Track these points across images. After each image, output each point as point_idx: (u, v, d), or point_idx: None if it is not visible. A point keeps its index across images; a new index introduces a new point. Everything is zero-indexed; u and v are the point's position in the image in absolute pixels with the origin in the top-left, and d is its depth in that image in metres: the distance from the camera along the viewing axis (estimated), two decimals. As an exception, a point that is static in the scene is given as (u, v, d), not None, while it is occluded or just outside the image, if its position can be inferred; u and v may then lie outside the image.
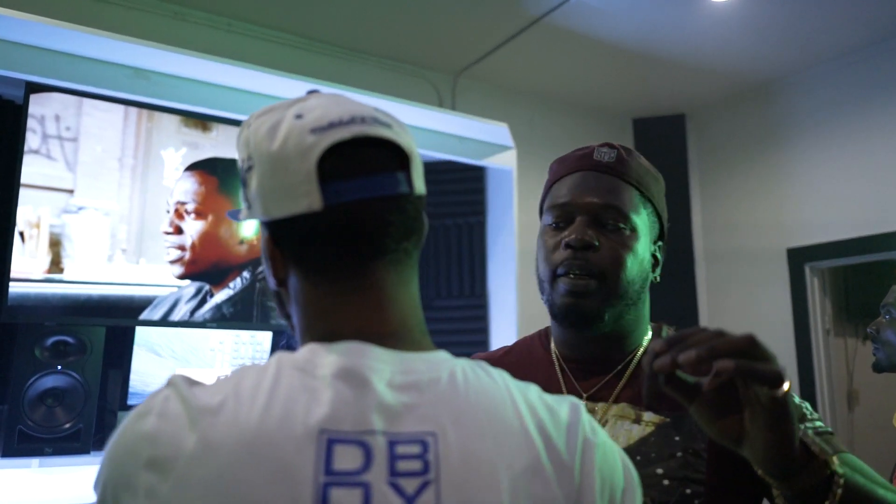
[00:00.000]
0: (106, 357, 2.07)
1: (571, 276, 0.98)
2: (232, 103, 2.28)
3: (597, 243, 0.97)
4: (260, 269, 2.28)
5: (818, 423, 0.92)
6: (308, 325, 0.68)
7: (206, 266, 2.21)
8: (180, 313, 2.17)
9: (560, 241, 1.00)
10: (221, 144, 2.28)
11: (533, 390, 0.69)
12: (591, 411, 1.00)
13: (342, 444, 0.59)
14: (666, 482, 0.91)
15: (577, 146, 1.09)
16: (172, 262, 2.16)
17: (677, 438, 0.94)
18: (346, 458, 0.58)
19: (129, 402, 2.12)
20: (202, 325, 2.21)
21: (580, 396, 1.02)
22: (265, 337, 2.39)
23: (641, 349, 1.04)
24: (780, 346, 3.35)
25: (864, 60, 3.21)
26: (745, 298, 3.52)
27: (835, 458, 0.75)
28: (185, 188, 2.21)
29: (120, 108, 2.11)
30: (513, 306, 2.70)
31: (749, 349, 0.68)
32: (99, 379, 2.04)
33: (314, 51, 3.03)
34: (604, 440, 0.67)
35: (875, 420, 3.38)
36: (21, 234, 1.93)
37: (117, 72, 2.08)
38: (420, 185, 0.70)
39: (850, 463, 0.81)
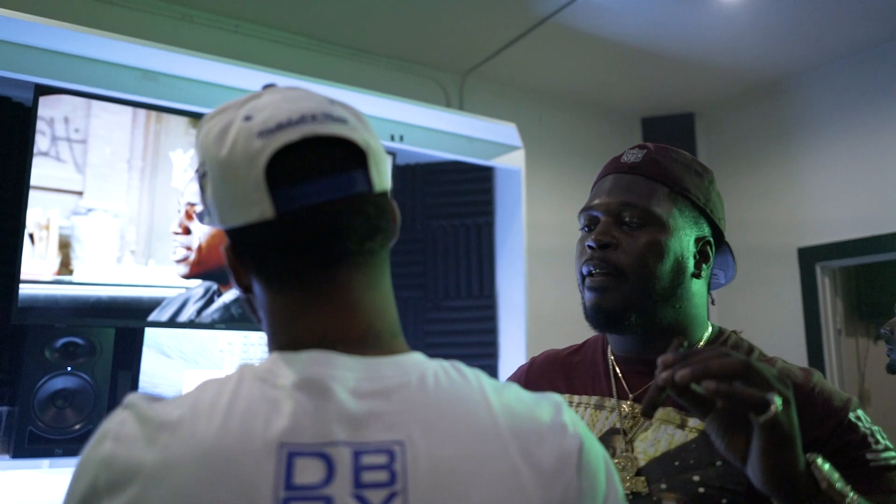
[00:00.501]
0: (115, 358, 2.08)
1: (593, 274, 0.99)
2: (240, 104, 2.28)
3: (616, 241, 0.98)
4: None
5: (886, 455, 0.88)
6: (273, 333, 0.67)
7: (212, 266, 2.22)
8: (188, 314, 2.17)
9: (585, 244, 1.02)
10: (229, 146, 2.28)
11: (511, 391, 0.66)
12: (635, 415, 0.99)
13: (303, 457, 0.57)
14: (702, 490, 0.90)
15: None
16: (178, 261, 2.16)
17: None
18: (308, 472, 0.57)
19: (139, 403, 2.13)
20: (210, 325, 2.22)
21: (627, 398, 1.01)
22: (274, 338, 2.39)
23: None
24: (791, 346, 3.33)
25: (875, 58, 3.19)
26: (756, 298, 3.49)
27: (849, 501, 0.74)
28: (195, 189, 2.21)
29: (128, 109, 2.11)
30: (521, 306, 2.69)
31: (741, 373, 0.70)
32: (108, 380, 2.05)
33: (321, 51, 3.03)
34: (585, 443, 0.65)
35: (887, 421, 3.35)
36: (31, 235, 1.94)
37: (125, 74, 2.08)
38: (382, 181, 0.66)
39: None
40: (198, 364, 2.26)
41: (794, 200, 3.46)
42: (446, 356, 2.67)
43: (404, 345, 0.68)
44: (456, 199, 2.86)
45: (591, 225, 1.03)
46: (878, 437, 0.90)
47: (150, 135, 2.15)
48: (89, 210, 2.03)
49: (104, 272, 2.05)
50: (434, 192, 2.88)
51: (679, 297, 0.99)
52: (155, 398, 0.62)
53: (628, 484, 0.93)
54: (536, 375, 1.15)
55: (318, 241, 0.63)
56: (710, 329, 1.05)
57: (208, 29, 2.79)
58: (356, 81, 2.56)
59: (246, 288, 0.68)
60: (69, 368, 1.98)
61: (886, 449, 0.89)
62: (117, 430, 0.59)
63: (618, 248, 0.97)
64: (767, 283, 3.48)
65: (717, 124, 3.87)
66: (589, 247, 0.99)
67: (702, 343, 1.02)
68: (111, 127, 2.08)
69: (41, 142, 1.96)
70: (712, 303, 1.11)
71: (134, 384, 2.14)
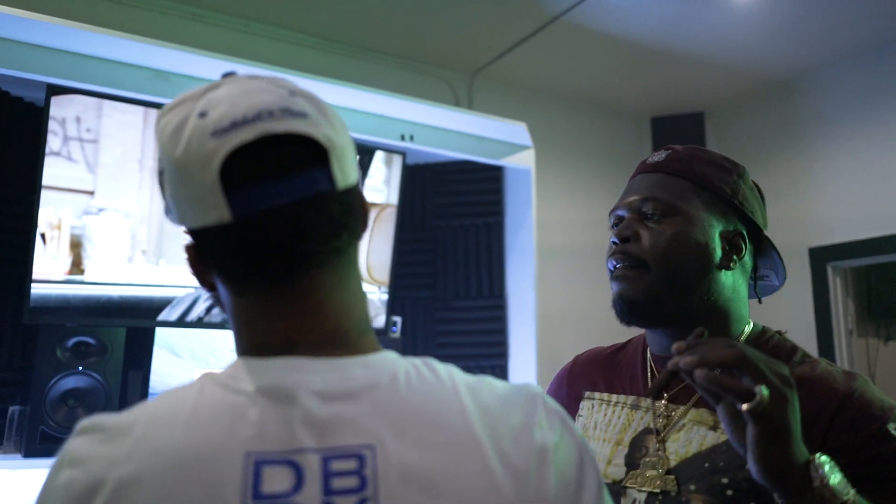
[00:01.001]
0: (126, 358, 2.08)
1: (617, 268, 1.01)
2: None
3: (637, 234, 0.99)
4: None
5: None
6: (239, 335, 0.65)
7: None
8: (197, 312, 2.17)
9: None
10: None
11: (485, 388, 0.65)
12: (669, 415, 0.99)
13: (270, 465, 0.56)
14: (730, 492, 0.89)
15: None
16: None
17: None
18: (276, 480, 0.55)
19: (150, 402, 2.13)
20: (220, 325, 2.22)
21: (662, 398, 1.01)
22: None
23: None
24: (803, 346, 3.29)
25: (886, 56, 3.16)
26: (767, 298, 3.45)
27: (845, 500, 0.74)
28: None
29: (140, 109, 2.11)
30: (531, 306, 2.69)
31: (736, 364, 0.73)
32: (119, 379, 2.05)
33: (331, 51, 3.03)
34: (561, 437, 0.63)
35: (899, 422, 3.33)
36: (42, 235, 1.94)
37: (137, 73, 2.08)
38: (346, 178, 0.64)
39: None
40: (208, 363, 2.26)
41: (805, 200, 3.43)
42: (456, 356, 2.68)
43: (374, 343, 0.66)
44: (466, 199, 2.86)
45: (617, 223, 1.05)
46: None
47: (161, 134, 2.15)
48: (101, 210, 2.04)
49: (115, 272, 2.05)
50: (444, 191, 2.87)
51: (706, 288, 0.98)
52: (106, 418, 0.60)
53: (658, 482, 0.94)
54: (578, 373, 1.16)
55: (279, 244, 0.61)
56: (750, 326, 1.04)
57: (218, 28, 2.79)
58: (365, 81, 2.56)
59: (210, 287, 0.67)
60: (80, 368, 1.98)
61: None
62: (73, 455, 0.58)
63: (639, 240, 0.99)
64: (778, 284, 3.45)
65: (727, 123, 3.85)
66: (613, 242, 1.02)
67: (741, 339, 1.02)
68: (123, 127, 2.08)
69: (53, 142, 1.96)
70: (759, 301, 1.11)
71: (145, 384, 2.15)
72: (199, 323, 2.18)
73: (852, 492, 0.76)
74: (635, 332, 1.09)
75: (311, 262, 0.62)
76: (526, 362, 2.68)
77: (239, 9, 2.78)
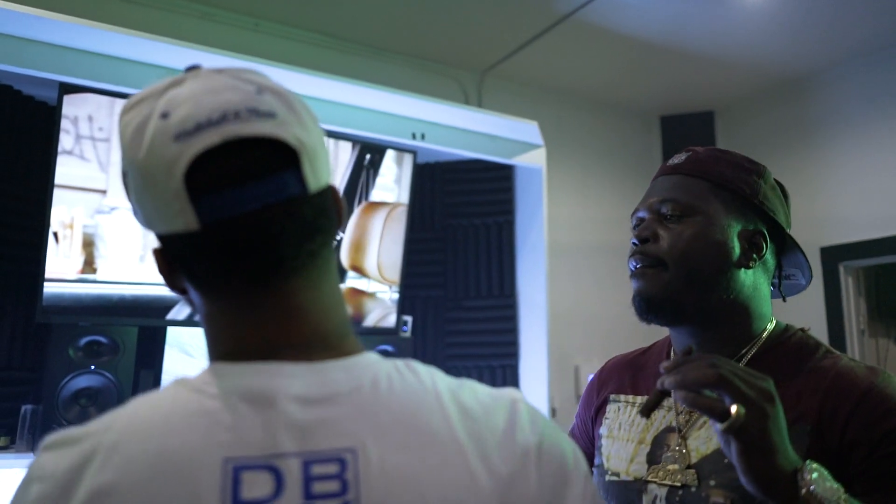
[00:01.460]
0: (138, 357, 2.08)
1: (637, 268, 1.02)
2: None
3: (655, 234, 1.01)
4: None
5: None
6: (212, 340, 0.63)
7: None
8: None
9: None
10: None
11: (467, 391, 0.64)
12: (690, 413, 1.00)
13: (249, 470, 0.54)
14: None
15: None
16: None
17: None
18: (256, 486, 0.54)
19: (161, 402, 2.13)
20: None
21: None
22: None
23: (756, 347, 1.01)
24: (814, 346, 3.28)
25: (899, 55, 3.14)
26: (779, 298, 3.44)
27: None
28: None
29: (151, 108, 2.10)
30: (543, 306, 2.67)
31: (713, 384, 0.76)
32: (131, 379, 2.05)
33: (341, 49, 3.02)
34: (545, 439, 0.62)
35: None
36: (55, 234, 1.94)
37: (149, 72, 2.08)
38: (318, 179, 0.61)
39: None
40: (219, 363, 2.25)
41: (816, 199, 3.41)
42: (466, 356, 2.68)
43: (355, 345, 0.64)
44: (476, 198, 2.85)
45: (638, 225, 1.06)
46: None
47: (173, 133, 2.14)
48: (113, 209, 2.03)
49: (127, 271, 2.05)
50: (454, 190, 2.86)
51: (724, 286, 0.99)
52: (73, 430, 0.58)
53: (679, 477, 0.96)
54: (605, 378, 1.19)
55: (250, 251, 0.59)
56: (773, 324, 1.05)
57: (228, 27, 2.79)
58: (374, 79, 2.55)
59: (181, 291, 0.65)
60: (92, 367, 1.98)
61: None
62: (41, 470, 0.56)
63: (658, 240, 1.00)
64: (789, 283, 3.43)
65: (737, 122, 3.83)
66: (633, 243, 1.03)
67: (764, 336, 1.02)
68: (134, 125, 2.08)
69: (65, 140, 1.96)
70: (783, 300, 1.12)
71: (156, 383, 2.15)
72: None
73: (843, 497, 0.76)
74: (650, 330, 1.11)
75: (285, 267, 0.60)
76: (537, 362, 2.67)
77: (249, 7, 2.78)
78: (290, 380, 0.59)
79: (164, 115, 0.58)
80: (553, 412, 2.70)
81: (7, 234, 2.00)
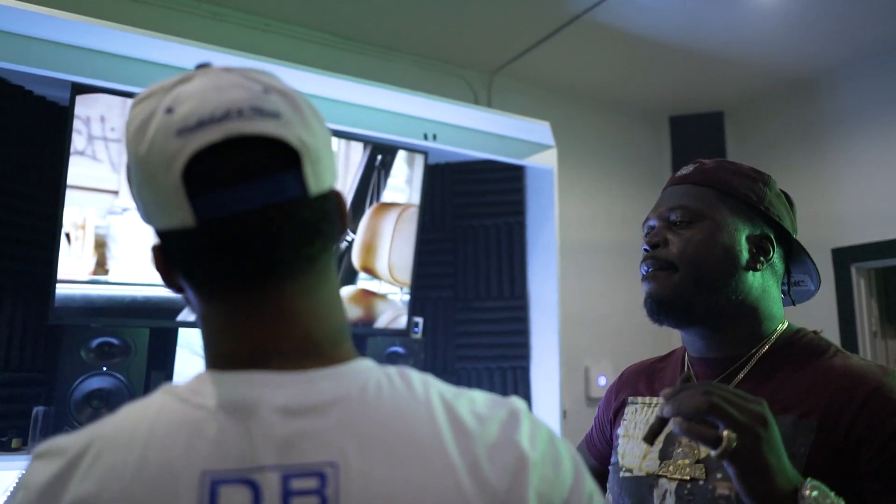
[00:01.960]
0: (150, 358, 2.07)
1: (648, 272, 1.07)
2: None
3: (665, 240, 1.05)
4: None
5: None
6: (207, 343, 0.62)
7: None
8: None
9: None
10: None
11: (463, 401, 0.62)
12: None
13: (227, 484, 0.53)
14: None
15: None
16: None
17: None
18: (233, 500, 0.53)
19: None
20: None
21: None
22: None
23: (766, 347, 1.04)
24: (825, 348, 3.26)
25: (912, 55, 3.12)
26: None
27: None
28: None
29: (163, 108, 2.10)
30: (554, 307, 2.66)
31: (707, 411, 0.78)
32: (143, 380, 2.04)
33: (350, 49, 3.01)
34: (544, 453, 0.60)
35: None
36: (67, 235, 1.93)
37: (161, 72, 2.07)
38: (320, 182, 0.60)
39: None
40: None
41: (828, 200, 3.39)
42: (477, 357, 2.66)
43: (349, 352, 0.63)
44: (487, 199, 2.84)
45: (649, 233, 1.11)
46: None
47: (185, 134, 2.14)
48: (125, 209, 2.02)
49: (139, 272, 2.04)
50: (465, 191, 2.85)
51: (733, 288, 1.02)
52: (61, 439, 0.58)
53: (688, 470, 1.00)
54: (624, 383, 1.24)
55: (246, 251, 0.58)
56: (784, 325, 1.07)
57: (239, 28, 2.78)
58: (383, 79, 2.54)
59: (177, 289, 0.64)
60: (104, 368, 1.97)
61: None
62: (28, 481, 0.56)
63: (668, 245, 1.05)
64: (800, 284, 3.41)
65: (746, 123, 3.81)
66: (644, 249, 1.08)
67: (774, 336, 1.04)
68: (146, 126, 2.07)
69: (77, 141, 1.95)
70: (793, 304, 1.15)
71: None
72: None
73: None
74: (660, 332, 1.15)
75: (281, 271, 0.59)
76: (548, 363, 2.65)
77: (259, 8, 2.77)
78: (275, 390, 0.57)
79: (169, 111, 0.58)
80: (564, 414, 2.68)
81: (19, 235, 2.00)
